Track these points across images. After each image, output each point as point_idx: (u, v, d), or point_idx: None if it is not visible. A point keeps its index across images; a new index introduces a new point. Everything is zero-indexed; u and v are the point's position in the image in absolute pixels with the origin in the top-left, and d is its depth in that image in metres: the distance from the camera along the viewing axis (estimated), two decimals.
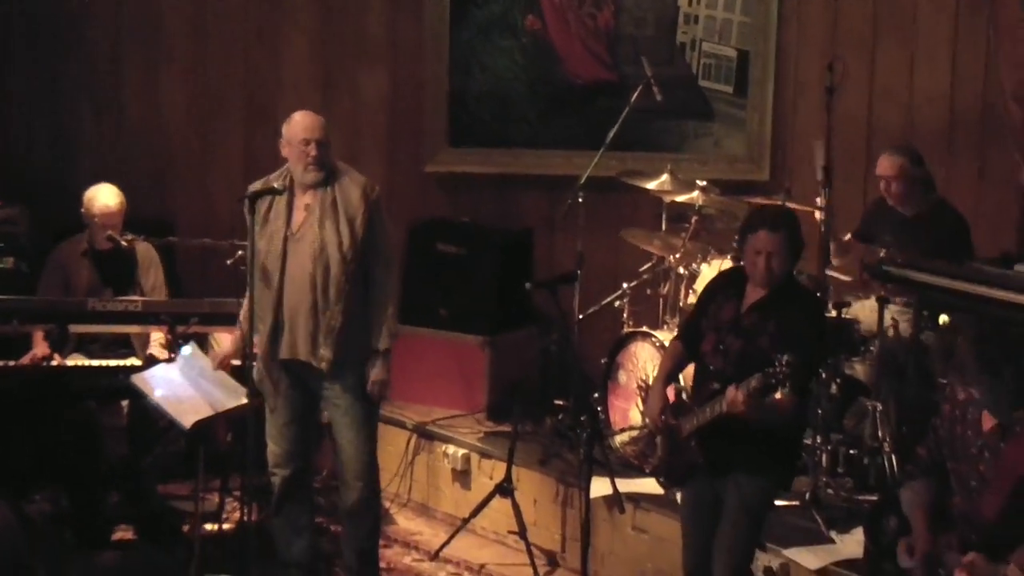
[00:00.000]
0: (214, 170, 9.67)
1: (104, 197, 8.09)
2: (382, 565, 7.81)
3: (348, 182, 6.93)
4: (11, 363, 7.80)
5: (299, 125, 6.91)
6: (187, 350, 7.34)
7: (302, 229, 6.85)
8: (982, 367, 5.25)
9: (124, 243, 8.03)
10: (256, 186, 6.94)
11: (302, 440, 7.14)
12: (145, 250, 8.21)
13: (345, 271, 6.81)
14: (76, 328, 7.79)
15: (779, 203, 7.85)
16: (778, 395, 5.82)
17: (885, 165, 8.02)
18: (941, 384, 7.38)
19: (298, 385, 7.01)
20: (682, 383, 6.80)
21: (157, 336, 7.93)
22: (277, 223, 6.86)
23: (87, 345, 8.03)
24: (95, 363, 7.84)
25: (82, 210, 8.13)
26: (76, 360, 7.90)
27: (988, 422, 5.38)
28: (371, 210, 6.92)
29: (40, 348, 7.90)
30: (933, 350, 5.46)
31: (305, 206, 6.88)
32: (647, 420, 6.67)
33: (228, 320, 7.58)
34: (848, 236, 8.17)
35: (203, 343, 8.16)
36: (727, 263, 7.65)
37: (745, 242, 6.20)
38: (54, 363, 7.81)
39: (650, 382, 7.55)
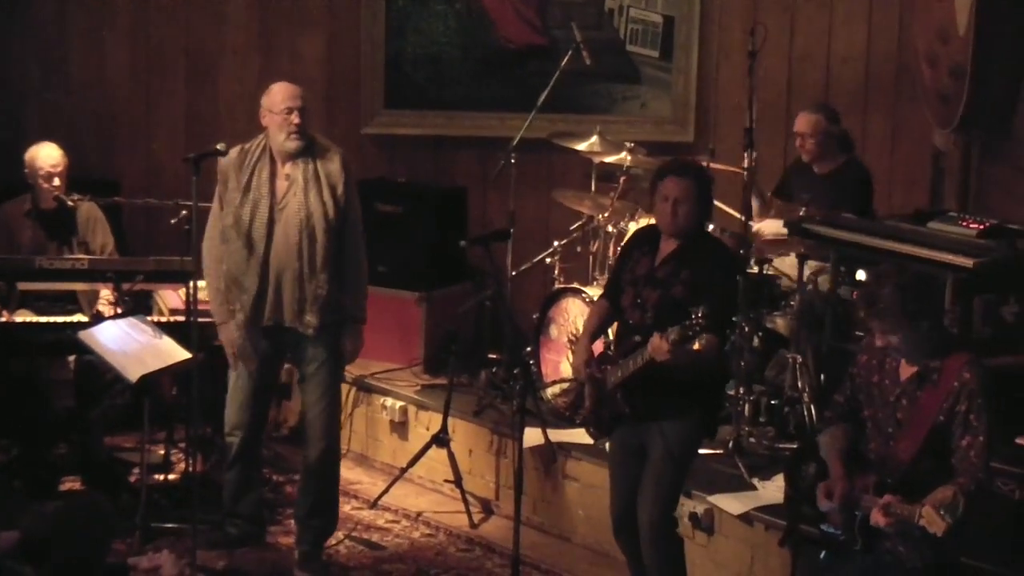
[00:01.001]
0: (157, 131, 9.60)
1: (44, 154, 8.02)
2: None
3: (327, 153, 6.87)
4: None
5: (280, 94, 6.80)
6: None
7: (286, 198, 6.78)
8: (904, 315, 5.30)
9: (71, 203, 7.97)
10: (232, 154, 6.84)
11: (265, 405, 7.17)
12: (89, 209, 8.14)
13: (329, 240, 6.78)
14: (24, 285, 7.75)
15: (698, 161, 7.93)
16: (696, 345, 5.85)
17: (801, 122, 8.09)
18: (857, 336, 7.47)
19: (272, 351, 6.97)
20: (611, 337, 6.82)
21: (105, 293, 7.88)
22: (260, 191, 6.77)
23: (33, 302, 7.97)
24: (43, 319, 7.78)
25: (25, 170, 8.07)
26: (24, 316, 7.84)
27: (906, 372, 5.45)
28: (350, 181, 6.90)
29: None
30: (858, 297, 5.51)
31: (286, 176, 6.80)
32: (575, 373, 6.70)
33: (173, 277, 7.56)
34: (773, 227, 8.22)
35: (148, 300, 8.14)
36: (654, 221, 7.68)
37: (655, 191, 6.23)
38: (2, 319, 7.74)
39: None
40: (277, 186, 6.80)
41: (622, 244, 6.81)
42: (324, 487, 7.07)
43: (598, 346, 6.58)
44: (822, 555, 5.63)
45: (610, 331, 6.73)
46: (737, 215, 7.90)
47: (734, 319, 7.22)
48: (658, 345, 5.85)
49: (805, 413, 7.56)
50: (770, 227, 8.03)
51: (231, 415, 7.05)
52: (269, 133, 6.83)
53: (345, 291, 6.90)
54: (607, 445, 6.62)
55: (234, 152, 6.86)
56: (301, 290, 6.78)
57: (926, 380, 5.38)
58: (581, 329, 7.61)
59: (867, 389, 5.58)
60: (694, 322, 5.71)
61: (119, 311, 7.54)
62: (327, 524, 7.12)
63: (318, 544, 7.09)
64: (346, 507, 7.91)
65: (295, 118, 6.74)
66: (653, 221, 7.14)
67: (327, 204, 6.76)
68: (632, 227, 7.99)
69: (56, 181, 7.98)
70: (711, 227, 7.59)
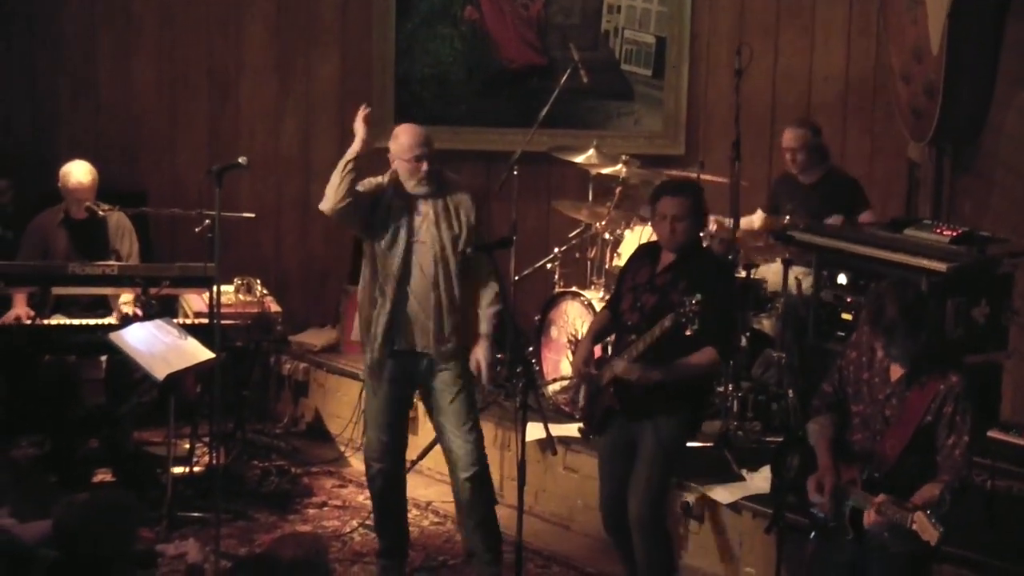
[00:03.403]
0: (181, 145, 9.59)
1: (76, 173, 8.02)
2: (338, 503, 7.84)
3: (456, 187, 6.74)
4: None
5: (408, 141, 6.62)
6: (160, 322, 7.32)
7: (421, 232, 6.62)
8: (905, 330, 5.32)
9: (101, 212, 7.98)
10: (364, 184, 6.69)
11: (402, 431, 6.92)
12: (119, 219, 8.15)
13: (462, 270, 6.64)
14: (58, 290, 7.76)
15: (688, 174, 7.94)
16: (688, 332, 5.85)
17: (789, 138, 8.10)
18: (838, 336, 7.47)
19: (403, 377, 6.76)
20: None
21: (128, 296, 7.88)
22: (398, 224, 6.61)
23: (68, 307, 7.97)
24: (76, 322, 7.79)
25: (59, 184, 8.07)
26: (58, 320, 7.84)
27: (896, 372, 5.45)
28: (481, 212, 6.80)
29: (21, 308, 7.85)
30: (864, 313, 5.54)
31: (419, 211, 6.63)
32: (573, 371, 6.71)
33: (197, 282, 7.57)
34: (760, 222, 8.20)
35: (173, 303, 8.15)
36: (648, 229, 7.69)
37: (654, 210, 6.27)
38: (36, 321, 7.75)
39: (579, 337, 7.61)
40: (413, 220, 6.64)
41: (626, 260, 6.78)
42: (484, 515, 6.82)
43: (598, 351, 6.60)
44: (811, 536, 5.62)
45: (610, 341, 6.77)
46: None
47: (735, 331, 7.17)
48: (624, 368, 5.98)
49: (789, 408, 7.56)
50: (759, 218, 8.09)
51: (373, 443, 6.82)
52: (399, 174, 6.67)
53: (480, 310, 6.73)
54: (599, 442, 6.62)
55: (367, 182, 6.70)
56: (439, 319, 6.62)
57: (915, 382, 5.39)
58: (580, 330, 7.67)
59: (856, 384, 5.57)
60: (687, 309, 5.73)
61: (138, 312, 7.56)
62: (496, 554, 6.83)
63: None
64: (359, 497, 7.92)
65: (424, 166, 6.57)
66: (647, 229, 7.18)
67: (459, 236, 6.62)
68: (628, 234, 8.00)
69: (76, 206, 7.97)
70: (702, 233, 7.62)
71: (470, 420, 6.77)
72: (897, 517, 5.17)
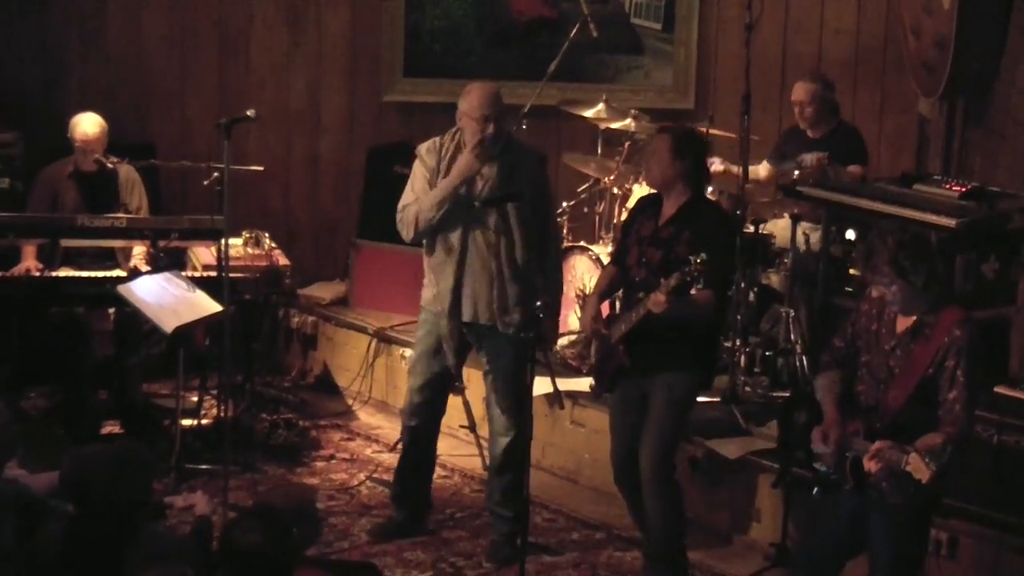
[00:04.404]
0: (191, 98, 9.54)
1: (83, 124, 7.97)
2: (345, 456, 7.84)
3: (522, 151, 6.58)
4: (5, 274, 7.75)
5: (478, 100, 6.34)
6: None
7: (481, 196, 6.41)
8: (897, 270, 5.27)
9: (110, 165, 7.94)
10: (427, 146, 6.57)
11: (444, 393, 6.87)
12: (127, 171, 8.10)
13: (525, 240, 6.45)
14: (66, 242, 7.74)
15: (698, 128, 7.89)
16: (694, 291, 5.84)
17: (800, 92, 8.06)
18: (846, 291, 7.45)
19: (464, 346, 6.65)
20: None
21: (140, 249, 7.86)
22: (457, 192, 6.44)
23: (76, 258, 7.95)
24: (84, 274, 7.77)
25: (68, 135, 8.04)
26: (66, 272, 7.82)
27: (902, 324, 5.42)
28: (542, 179, 6.63)
29: (31, 260, 7.84)
30: (856, 254, 5.49)
31: (481, 174, 6.42)
32: (583, 330, 6.68)
33: (206, 235, 7.54)
34: (766, 172, 8.15)
35: (182, 256, 8.13)
36: None
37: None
38: (46, 273, 7.73)
39: (587, 291, 7.58)
40: (475, 185, 6.45)
41: (628, 212, 6.76)
42: (512, 479, 6.65)
43: (605, 308, 6.58)
44: (814, 491, 5.61)
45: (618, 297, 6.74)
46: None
47: (730, 278, 7.15)
48: (656, 298, 5.84)
49: (797, 364, 7.55)
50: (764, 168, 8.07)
51: (409, 400, 6.81)
52: (464, 134, 6.45)
53: (536, 281, 6.54)
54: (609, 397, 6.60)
55: (428, 144, 6.57)
56: (501, 289, 6.46)
57: (919, 334, 5.35)
58: (588, 285, 7.64)
59: (866, 336, 5.54)
60: (692, 268, 5.70)
61: (148, 269, 7.56)
62: (518, 515, 6.48)
63: (510, 534, 6.64)
64: (367, 450, 7.93)
65: (490, 128, 6.34)
66: None
67: (523, 206, 6.41)
68: (636, 189, 7.97)
69: (86, 157, 7.93)
70: (710, 189, 7.59)
71: (512, 391, 6.62)
72: (894, 459, 5.15)
